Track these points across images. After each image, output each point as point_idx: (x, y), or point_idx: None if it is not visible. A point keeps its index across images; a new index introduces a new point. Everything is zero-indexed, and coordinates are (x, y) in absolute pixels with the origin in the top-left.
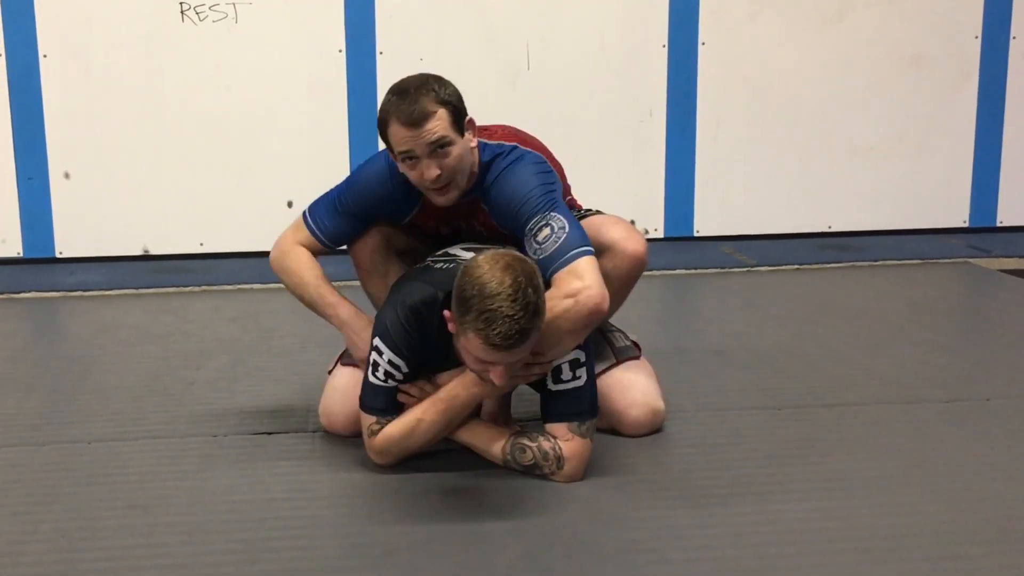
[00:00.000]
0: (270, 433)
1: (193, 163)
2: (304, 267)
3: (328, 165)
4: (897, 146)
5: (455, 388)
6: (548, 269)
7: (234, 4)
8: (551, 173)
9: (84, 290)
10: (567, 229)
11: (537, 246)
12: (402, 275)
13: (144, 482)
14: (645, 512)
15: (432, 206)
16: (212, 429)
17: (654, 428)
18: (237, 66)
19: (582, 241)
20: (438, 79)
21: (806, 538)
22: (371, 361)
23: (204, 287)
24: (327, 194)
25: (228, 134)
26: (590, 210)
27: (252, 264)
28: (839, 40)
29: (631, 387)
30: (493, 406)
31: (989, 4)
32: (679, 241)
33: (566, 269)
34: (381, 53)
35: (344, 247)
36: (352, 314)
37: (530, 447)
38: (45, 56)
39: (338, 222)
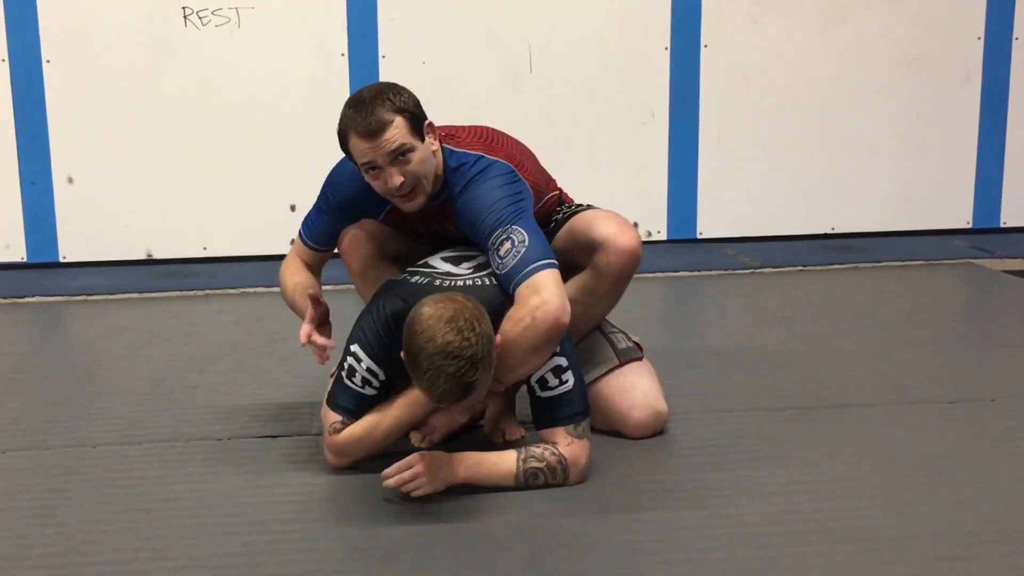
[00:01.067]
0: (274, 436)
1: (196, 167)
2: (287, 275)
3: (331, 169)
4: (900, 147)
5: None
6: (510, 283)
7: (236, 8)
8: (517, 183)
9: (88, 294)
10: (527, 243)
11: (499, 260)
12: (380, 287)
13: (148, 485)
14: (649, 513)
15: (400, 211)
16: (216, 432)
17: (657, 430)
18: (240, 70)
19: (543, 254)
20: (393, 87)
21: (810, 539)
22: (347, 366)
23: (207, 291)
24: (312, 209)
25: (231, 138)
26: (581, 205)
27: (255, 267)
28: (841, 41)
29: (634, 389)
30: (497, 409)
31: (992, 5)
32: (682, 243)
33: (525, 284)
34: (383, 56)
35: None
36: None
37: (540, 471)
38: (48, 61)
39: (321, 222)
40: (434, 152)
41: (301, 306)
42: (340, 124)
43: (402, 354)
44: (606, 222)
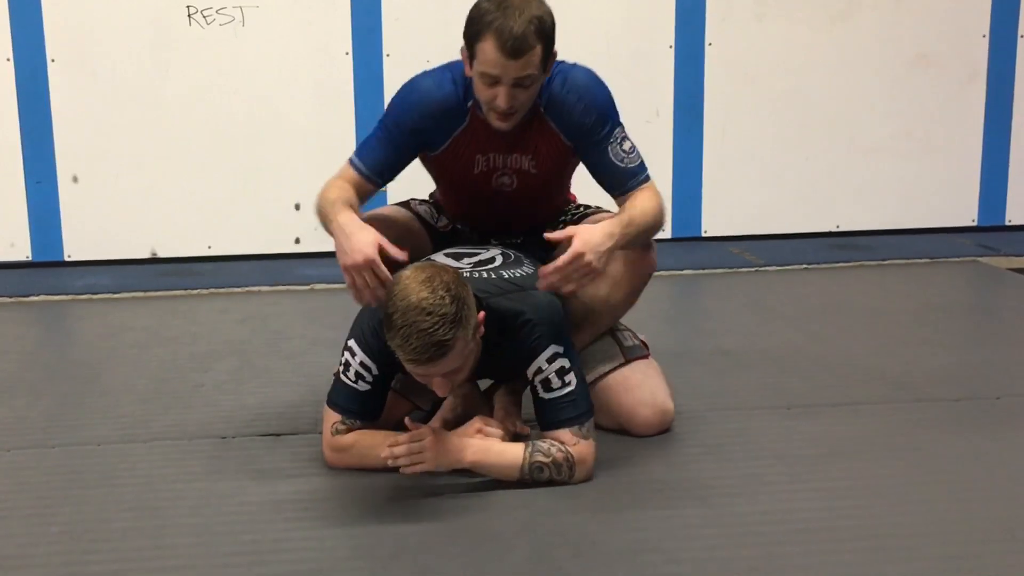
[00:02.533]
0: (278, 435)
1: (200, 166)
2: (332, 188)
3: (335, 167)
4: (905, 145)
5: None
6: (634, 178)
7: (241, 7)
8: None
9: (92, 293)
10: (638, 151)
11: (624, 154)
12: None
13: (152, 484)
14: (654, 511)
15: (478, 129)
16: (220, 431)
17: (663, 428)
18: (244, 69)
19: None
20: (539, 1)
21: (816, 537)
22: (343, 360)
23: (212, 290)
24: (369, 134)
25: (235, 137)
26: (589, 207)
27: (260, 266)
28: (846, 39)
29: (640, 386)
30: (504, 405)
31: (996, 3)
32: (687, 241)
33: (649, 186)
34: (388, 55)
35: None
36: (349, 218)
37: (546, 465)
38: (53, 61)
39: (382, 150)
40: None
41: (336, 208)
42: (476, 19)
43: (385, 333)
44: None
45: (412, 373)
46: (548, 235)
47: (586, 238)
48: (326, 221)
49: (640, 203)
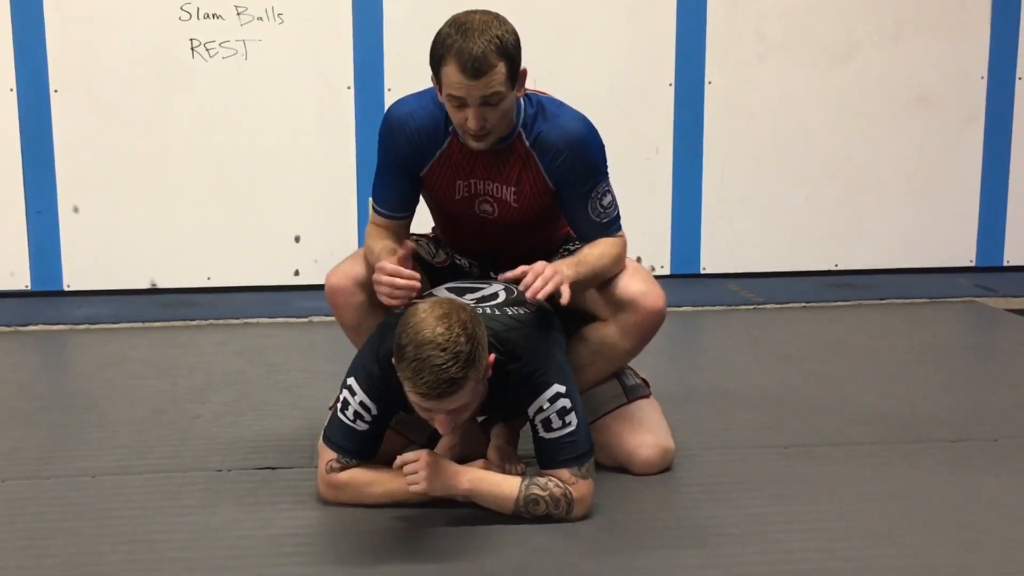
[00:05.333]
0: (274, 468)
1: (201, 197)
2: (371, 237)
3: (336, 200)
4: (904, 185)
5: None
6: (599, 234)
7: (244, 41)
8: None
9: (91, 323)
10: (616, 205)
11: (601, 210)
12: (381, 322)
13: (148, 517)
14: (651, 552)
15: (456, 153)
16: (216, 464)
17: (664, 467)
18: (246, 102)
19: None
20: (501, 21)
21: None
22: (342, 399)
23: (211, 321)
24: (375, 171)
25: (236, 169)
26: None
27: (259, 298)
28: (846, 80)
29: (641, 426)
30: (500, 442)
31: (995, 45)
32: (686, 278)
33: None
34: (389, 90)
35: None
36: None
37: (542, 498)
38: (56, 91)
39: (386, 184)
40: (518, 97)
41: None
42: (439, 43)
43: (393, 359)
44: (633, 280)
45: (417, 407)
46: (501, 276)
47: (536, 270)
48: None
49: (600, 247)
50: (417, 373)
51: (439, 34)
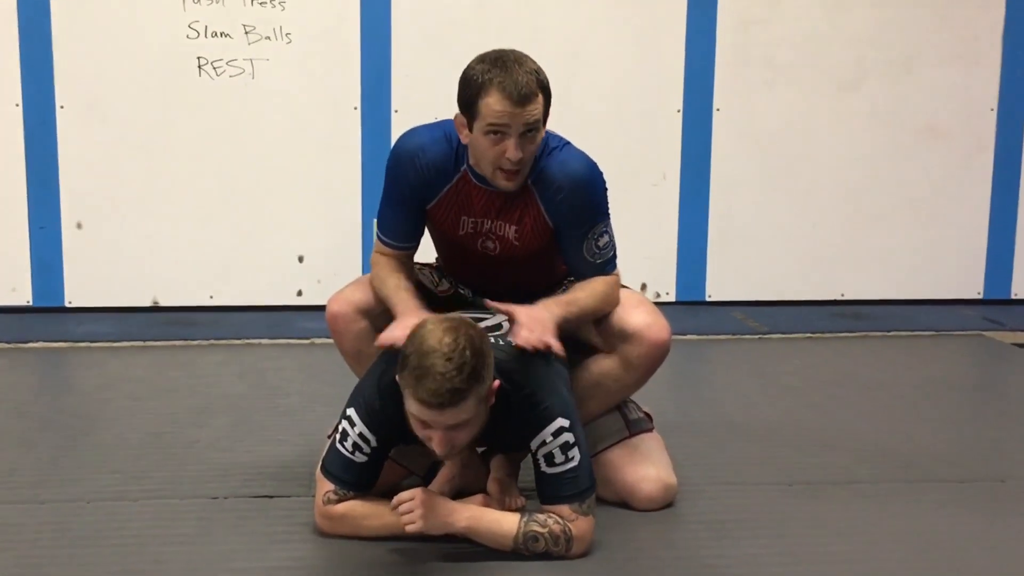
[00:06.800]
0: (271, 496)
1: (205, 215)
2: (379, 266)
3: (341, 221)
4: (911, 216)
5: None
6: (593, 274)
7: (251, 60)
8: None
9: (92, 341)
10: (614, 246)
11: (597, 251)
12: (382, 353)
13: (142, 545)
14: None
15: (463, 190)
16: (213, 490)
17: (666, 503)
18: (252, 121)
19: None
20: (530, 58)
21: None
22: (341, 429)
23: (212, 340)
24: (381, 200)
25: (241, 188)
26: None
27: (261, 318)
28: (854, 109)
29: (643, 461)
30: (500, 474)
31: (1005, 77)
32: (691, 305)
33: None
34: (396, 111)
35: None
36: (404, 307)
37: (541, 535)
38: (62, 107)
39: (394, 215)
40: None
41: (395, 300)
42: (474, 78)
43: (397, 377)
44: (636, 312)
45: (416, 422)
46: (489, 302)
47: (526, 316)
48: (389, 305)
49: (591, 285)
50: (420, 380)
51: (472, 71)
